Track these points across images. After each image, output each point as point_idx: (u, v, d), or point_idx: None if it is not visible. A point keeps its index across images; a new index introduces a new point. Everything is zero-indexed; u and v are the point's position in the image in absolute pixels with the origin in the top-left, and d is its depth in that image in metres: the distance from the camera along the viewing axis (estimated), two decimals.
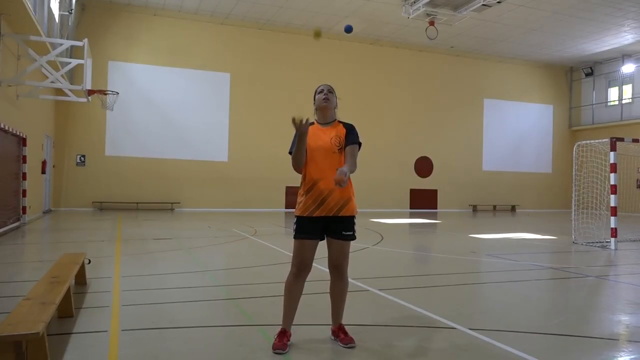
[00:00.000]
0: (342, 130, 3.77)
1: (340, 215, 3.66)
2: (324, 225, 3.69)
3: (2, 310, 4.34)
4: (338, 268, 3.74)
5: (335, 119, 3.86)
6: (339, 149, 3.70)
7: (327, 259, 3.81)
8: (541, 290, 6.33)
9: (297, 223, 3.70)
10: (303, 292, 3.77)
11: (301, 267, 3.68)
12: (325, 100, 3.78)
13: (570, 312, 4.97)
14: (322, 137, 3.73)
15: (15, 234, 10.89)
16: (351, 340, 3.69)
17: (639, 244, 11.07)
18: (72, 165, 19.81)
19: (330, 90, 3.83)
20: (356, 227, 3.78)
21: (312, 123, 3.82)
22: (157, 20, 20.88)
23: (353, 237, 3.74)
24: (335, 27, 22.05)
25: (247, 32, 22.00)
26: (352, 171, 3.56)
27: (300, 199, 3.74)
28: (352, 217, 3.74)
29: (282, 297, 3.77)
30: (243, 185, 21.76)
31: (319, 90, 3.85)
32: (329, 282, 3.83)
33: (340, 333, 3.75)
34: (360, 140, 3.78)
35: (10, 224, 11.42)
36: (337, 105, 3.87)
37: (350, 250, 3.80)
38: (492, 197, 26.61)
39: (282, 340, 3.61)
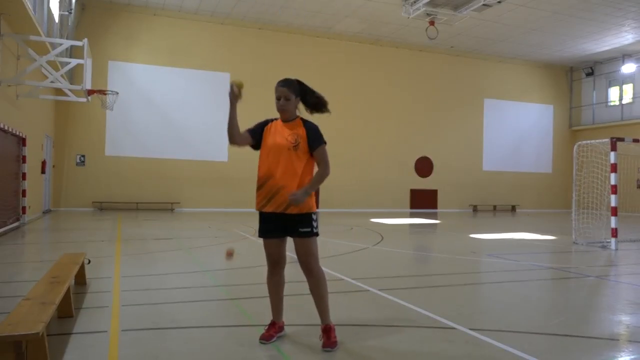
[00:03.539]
0: (302, 131, 3.73)
1: (288, 212, 3.62)
2: (284, 222, 3.66)
3: (2, 310, 4.34)
4: (304, 265, 3.72)
5: (297, 117, 3.85)
6: (294, 146, 3.66)
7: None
8: (541, 290, 6.33)
9: (259, 220, 3.78)
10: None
11: (270, 264, 3.81)
12: (282, 108, 3.79)
13: (570, 312, 4.97)
14: (280, 134, 3.75)
15: (15, 234, 10.88)
16: (330, 344, 3.55)
17: (639, 244, 11.07)
18: (72, 165, 19.80)
19: (287, 97, 3.77)
20: (316, 223, 3.71)
21: (277, 119, 3.90)
22: (157, 20, 20.87)
23: (312, 234, 3.65)
24: (335, 26, 22.06)
25: (247, 32, 21.99)
26: (324, 175, 3.67)
27: (256, 193, 3.75)
28: (309, 214, 3.65)
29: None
30: (243, 185, 21.68)
31: (276, 95, 3.82)
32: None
33: (323, 335, 3.64)
34: (326, 140, 3.77)
35: (10, 224, 11.42)
36: (298, 101, 3.84)
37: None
38: (492, 197, 26.60)
39: (269, 331, 3.73)
